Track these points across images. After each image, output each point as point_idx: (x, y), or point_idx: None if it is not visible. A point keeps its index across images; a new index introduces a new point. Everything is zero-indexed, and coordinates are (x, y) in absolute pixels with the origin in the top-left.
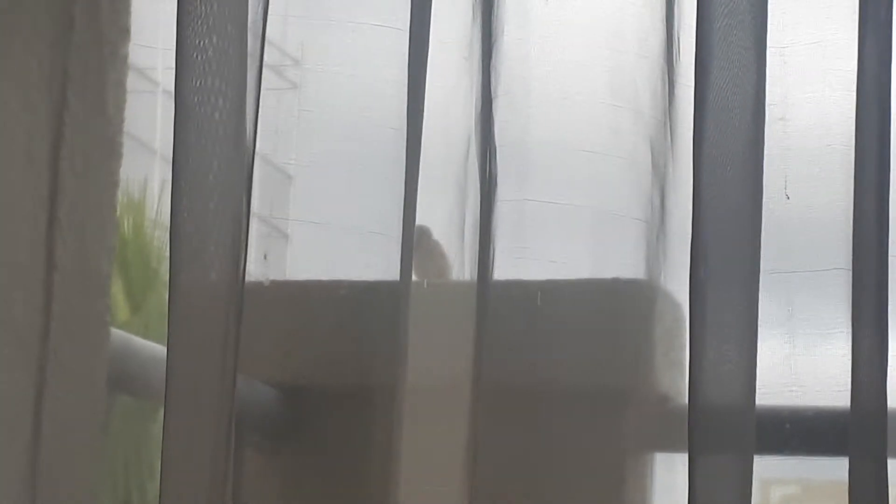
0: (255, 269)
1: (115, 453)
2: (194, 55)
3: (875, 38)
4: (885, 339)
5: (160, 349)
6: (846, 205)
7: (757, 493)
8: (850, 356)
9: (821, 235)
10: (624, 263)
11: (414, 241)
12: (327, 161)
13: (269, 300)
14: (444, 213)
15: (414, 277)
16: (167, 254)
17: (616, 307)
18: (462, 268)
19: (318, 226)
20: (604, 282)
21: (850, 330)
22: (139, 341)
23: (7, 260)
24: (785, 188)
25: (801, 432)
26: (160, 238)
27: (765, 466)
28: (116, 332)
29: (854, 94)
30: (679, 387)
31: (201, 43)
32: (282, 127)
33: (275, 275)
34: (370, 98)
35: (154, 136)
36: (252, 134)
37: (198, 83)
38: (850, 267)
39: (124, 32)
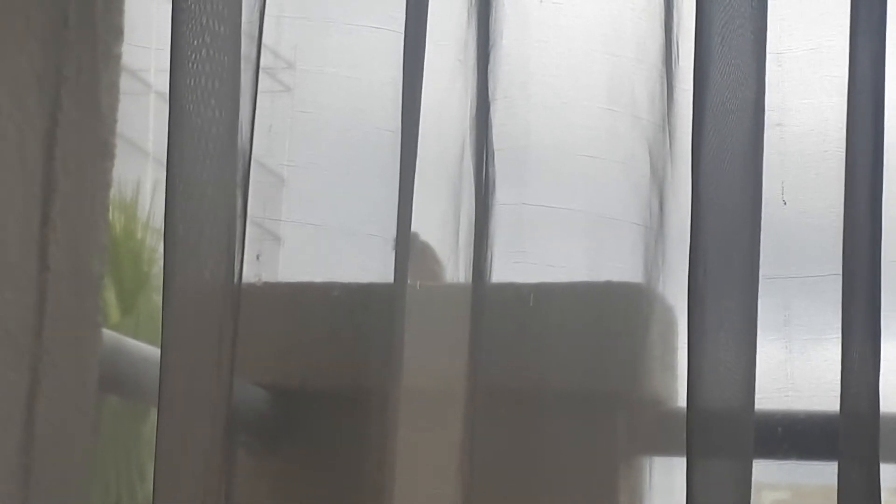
0: (248, 271)
1: (106, 455)
2: (188, 55)
3: (868, 43)
4: (878, 343)
5: (152, 350)
6: (843, 210)
7: None
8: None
9: (817, 241)
10: (622, 268)
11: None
12: (322, 163)
13: (262, 302)
14: (438, 215)
15: None
16: (159, 256)
17: (609, 310)
18: (456, 270)
19: (312, 227)
20: (596, 285)
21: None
22: (130, 342)
23: None
24: (782, 193)
25: (793, 437)
26: (152, 239)
27: (756, 471)
28: (108, 333)
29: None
30: (672, 390)
31: (195, 43)
32: (275, 129)
33: (267, 277)
34: (365, 100)
35: (147, 138)
36: (248, 136)
37: (192, 84)
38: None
39: (118, 32)
